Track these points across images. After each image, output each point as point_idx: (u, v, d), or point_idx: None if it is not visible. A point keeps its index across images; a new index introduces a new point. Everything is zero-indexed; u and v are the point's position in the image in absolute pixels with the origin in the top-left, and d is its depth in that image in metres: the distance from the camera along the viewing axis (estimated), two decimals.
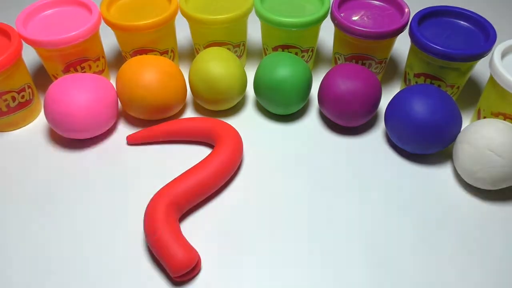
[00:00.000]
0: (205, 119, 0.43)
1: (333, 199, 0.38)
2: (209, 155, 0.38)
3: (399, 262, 0.34)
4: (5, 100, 0.42)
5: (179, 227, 0.33)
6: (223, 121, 0.42)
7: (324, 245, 0.35)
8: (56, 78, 0.46)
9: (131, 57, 0.47)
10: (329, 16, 0.45)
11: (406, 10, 0.44)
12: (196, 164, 0.37)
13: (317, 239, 0.35)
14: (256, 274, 0.33)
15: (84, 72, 0.46)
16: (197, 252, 0.32)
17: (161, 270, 0.33)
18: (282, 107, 0.43)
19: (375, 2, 0.47)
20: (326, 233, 0.35)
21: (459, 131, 0.39)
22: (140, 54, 0.46)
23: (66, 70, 0.45)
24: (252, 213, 0.37)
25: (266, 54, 0.49)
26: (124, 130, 0.44)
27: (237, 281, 0.32)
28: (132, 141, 0.43)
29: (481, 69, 0.48)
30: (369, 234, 0.35)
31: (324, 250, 0.34)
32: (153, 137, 0.43)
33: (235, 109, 0.46)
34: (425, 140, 0.39)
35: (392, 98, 0.41)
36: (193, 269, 0.32)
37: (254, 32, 0.51)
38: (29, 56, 0.47)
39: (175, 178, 0.36)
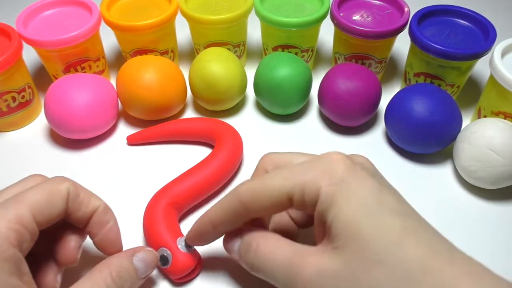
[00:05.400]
0: (205, 119, 0.43)
1: None
2: (209, 155, 0.38)
3: None
4: (5, 100, 0.42)
5: (179, 227, 0.33)
6: (223, 121, 0.42)
7: None
8: (56, 78, 0.46)
9: (131, 57, 0.47)
10: (329, 16, 0.45)
11: (406, 9, 0.44)
12: (196, 164, 0.37)
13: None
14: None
15: (84, 72, 0.46)
16: (198, 253, 0.32)
17: (161, 270, 0.33)
18: (282, 107, 0.43)
19: (375, 1, 0.47)
20: None
21: (459, 131, 0.39)
22: (140, 54, 0.46)
23: (66, 70, 0.45)
24: None
25: (266, 54, 0.49)
26: (124, 130, 0.44)
27: (237, 281, 0.33)
28: (132, 141, 0.43)
29: (481, 68, 0.48)
30: None
31: None
32: (153, 137, 0.43)
33: (235, 109, 0.46)
34: (425, 139, 0.39)
35: (392, 98, 0.41)
36: (193, 270, 0.32)
37: (254, 32, 0.51)
38: (29, 56, 0.47)
39: (175, 178, 0.36)
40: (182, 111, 0.46)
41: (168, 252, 0.30)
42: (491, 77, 0.39)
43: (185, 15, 0.45)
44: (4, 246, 0.22)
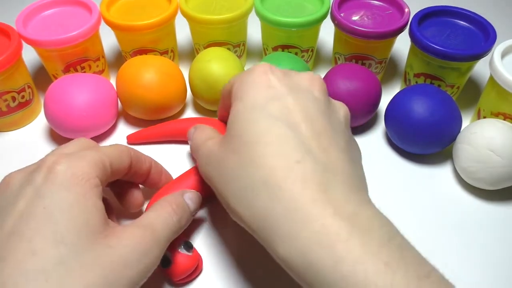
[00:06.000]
0: (205, 119, 0.42)
1: None
2: None
3: None
4: (5, 100, 0.42)
5: None
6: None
7: None
8: (56, 78, 0.46)
9: (131, 57, 0.47)
10: (329, 16, 0.45)
11: (406, 10, 0.44)
12: (197, 164, 0.37)
13: None
14: (257, 274, 0.33)
15: (84, 72, 0.46)
16: (198, 254, 0.32)
17: (161, 272, 0.33)
18: None
19: (375, 2, 0.47)
20: None
21: (459, 131, 0.39)
22: (140, 54, 0.46)
23: (66, 70, 0.45)
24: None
25: (266, 54, 0.49)
26: (124, 130, 0.44)
27: (238, 282, 0.33)
28: (132, 140, 0.43)
29: (481, 69, 0.48)
30: None
31: None
32: (153, 137, 0.43)
33: None
34: (425, 140, 0.39)
35: (392, 98, 0.41)
36: (194, 271, 0.32)
37: (254, 32, 0.51)
38: (29, 56, 0.47)
39: (176, 178, 0.36)
40: (182, 111, 0.46)
41: (169, 253, 0.30)
42: (491, 78, 0.39)
43: (185, 15, 0.45)
44: (93, 175, 0.26)
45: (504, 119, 0.39)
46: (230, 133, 0.27)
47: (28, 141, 0.43)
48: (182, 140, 0.43)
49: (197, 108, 0.47)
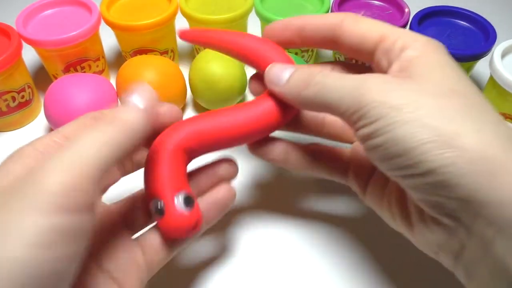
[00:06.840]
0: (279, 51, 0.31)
1: (333, 197, 0.38)
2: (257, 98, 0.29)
3: (399, 261, 0.34)
4: (5, 100, 0.42)
5: (185, 178, 0.27)
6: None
7: (327, 241, 0.35)
8: (56, 78, 0.46)
9: (131, 57, 0.47)
10: None
11: (406, 10, 0.44)
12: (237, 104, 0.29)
13: (320, 231, 0.35)
14: (258, 273, 0.33)
15: (84, 72, 0.46)
16: (198, 211, 0.26)
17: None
18: None
19: (375, 2, 0.47)
20: (327, 231, 0.35)
21: None
22: (140, 54, 0.46)
23: (66, 70, 0.45)
24: (255, 213, 0.37)
25: None
26: None
27: (238, 281, 0.33)
28: (184, 37, 0.32)
29: (481, 69, 0.48)
30: (368, 234, 0.35)
31: (325, 246, 0.34)
32: (211, 43, 0.31)
33: None
34: None
35: None
36: (193, 227, 0.25)
37: (254, 32, 0.51)
38: (29, 56, 0.47)
39: (195, 116, 0.28)
40: (182, 111, 0.46)
41: (162, 203, 0.24)
42: (491, 78, 0.39)
43: (185, 15, 0.45)
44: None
45: (505, 119, 0.39)
46: (425, 74, 0.23)
47: (28, 141, 0.43)
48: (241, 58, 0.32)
49: (197, 108, 0.46)
